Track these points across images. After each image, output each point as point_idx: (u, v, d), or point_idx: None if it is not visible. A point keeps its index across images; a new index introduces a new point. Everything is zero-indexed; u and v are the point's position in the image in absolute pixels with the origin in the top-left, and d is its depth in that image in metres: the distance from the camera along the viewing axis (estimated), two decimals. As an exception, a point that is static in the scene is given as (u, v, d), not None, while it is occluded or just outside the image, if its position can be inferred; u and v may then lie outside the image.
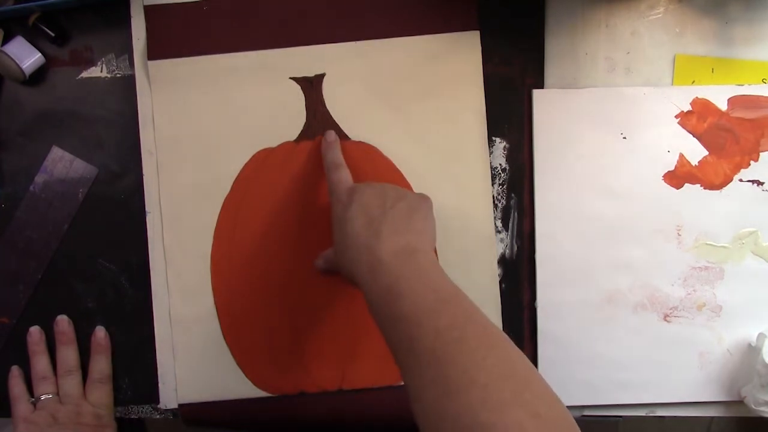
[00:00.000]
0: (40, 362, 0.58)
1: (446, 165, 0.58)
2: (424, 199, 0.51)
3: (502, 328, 0.58)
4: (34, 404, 0.57)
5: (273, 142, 0.58)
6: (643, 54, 0.58)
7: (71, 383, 0.57)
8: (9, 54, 0.56)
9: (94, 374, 0.58)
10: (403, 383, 0.40)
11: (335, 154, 0.55)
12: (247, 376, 0.59)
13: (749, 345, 0.59)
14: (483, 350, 0.37)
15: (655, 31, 0.58)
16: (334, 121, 0.58)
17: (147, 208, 0.58)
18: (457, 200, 0.58)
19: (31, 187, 0.59)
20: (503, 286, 0.59)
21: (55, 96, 0.58)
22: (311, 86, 0.58)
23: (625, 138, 0.58)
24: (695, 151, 0.58)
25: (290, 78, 0.58)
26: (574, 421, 0.35)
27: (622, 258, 0.59)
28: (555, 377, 0.59)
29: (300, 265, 0.58)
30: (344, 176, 0.53)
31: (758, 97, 0.58)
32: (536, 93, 0.58)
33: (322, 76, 0.58)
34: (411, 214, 0.48)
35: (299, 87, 0.58)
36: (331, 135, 0.57)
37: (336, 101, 0.58)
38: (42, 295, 0.59)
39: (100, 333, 0.59)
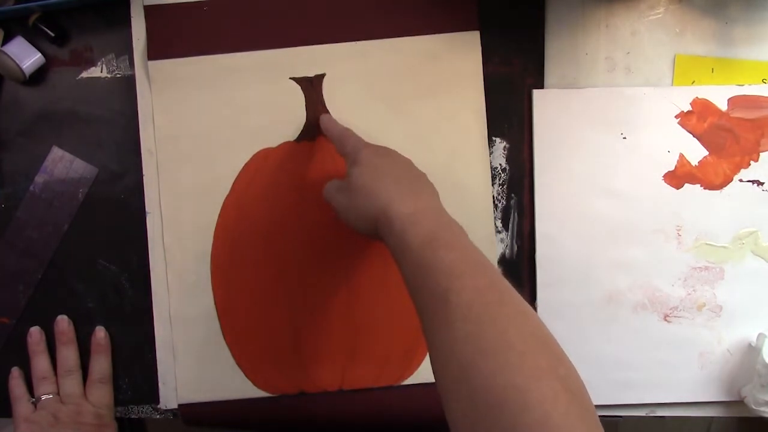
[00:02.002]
0: (41, 362, 0.58)
1: (446, 165, 0.58)
2: (436, 188, 0.51)
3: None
4: (35, 404, 0.57)
5: (273, 142, 0.58)
6: (643, 54, 0.58)
7: (72, 383, 0.57)
8: (9, 54, 0.56)
9: (95, 374, 0.58)
10: (427, 345, 0.40)
11: (340, 125, 0.55)
12: (247, 376, 0.59)
13: (749, 345, 0.59)
14: (521, 317, 0.37)
15: (655, 31, 0.58)
16: (334, 121, 0.58)
17: (147, 208, 0.58)
18: (457, 200, 0.58)
19: (31, 187, 0.59)
20: (503, 286, 0.59)
21: (55, 96, 0.58)
22: (311, 86, 0.58)
23: (625, 138, 0.58)
24: (695, 151, 0.58)
25: (290, 78, 0.58)
26: (595, 410, 0.35)
27: (622, 258, 0.59)
28: (555, 377, 0.59)
29: (300, 264, 0.58)
30: (361, 138, 0.53)
31: (758, 97, 0.58)
32: (536, 93, 0.58)
33: (322, 76, 0.58)
34: (435, 192, 0.49)
35: (299, 87, 0.58)
36: (326, 114, 0.57)
37: (336, 101, 0.58)
38: (42, 295, 0.59)
39: (100, 333, 0.59)
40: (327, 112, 0.58)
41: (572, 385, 0.34)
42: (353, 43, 0.58)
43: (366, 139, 0.58)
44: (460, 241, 0.43)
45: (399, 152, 0.51)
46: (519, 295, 0.39)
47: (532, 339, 0.36)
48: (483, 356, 0.35)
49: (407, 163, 0.51)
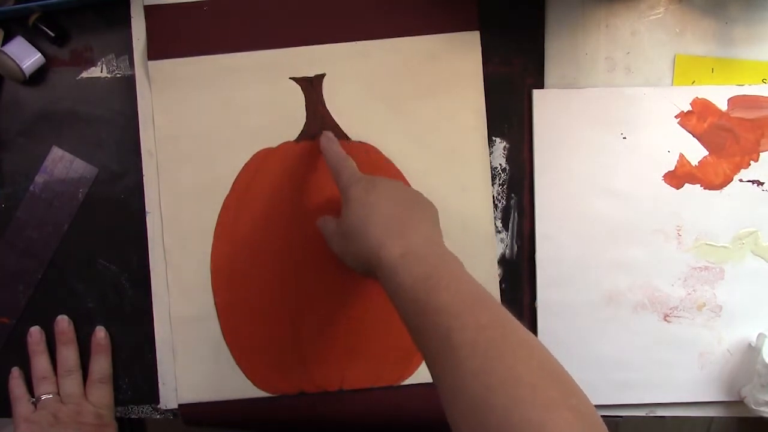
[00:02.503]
0: (41, 362, 0.58)
1: (446, 165, 0.58)
2: (434, 206, 0.51)
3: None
4: (35, 404, 0.57)
5: (273, 142, 0.58)
6: (643, 54, 0.58)
7: (72, 383, 0.57)
8: (9, 54, 0.56)
9: (95, 374, 0.58)
10: (431, 377, 0.40)
11: (339, 148, 0.54)
12: (247, 376, 0.59)
13: (749, 345, 0.59)
14: (527, 349, 0.37)
15: (655, 31, 0.58)
16: (334, 121, 0.58)
17: (147, 208, 0.58)
18: (457, 200, 0.58)
19: (31, 187, 0.59)
20: (503, 286, 0.59)
21: (55, 96, 0.58)
22: (311, 86, 0.58)
23: (625, 138, 0.58)
24: (695, 151, 0.58)
25: (290, 78, 0.58)
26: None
27: (622, 258, 0.59)
28: (555, 377, 0.59)
29: (300, 264, 0.58)
30: (354, 165, 0.52)
31: (758, 97, 0.58)
32: (536, 93, 0.58)
33: (322, 76, 0.58)
34: (431, 214, 0.49)
35: (299, 87, 0.58)
36: (329, 133, 0.56)
37: (336, 101, 0.58)
38: (42, 295, 0.59)
39: (100, 333, 0.59)
40: (327, 112, 0.58)
41: (585, 414, 0.34)
42: (353, 43, 0.58)
43: (366, 139, 0.58)
44: (455, 277, 0.42)
45: (389, 179, 0.51)
46: (521, 326, 0.39)
47: (541, 371, 0.36)
48: (493, 392, 0.35)
49: (399, 193, 0.49)
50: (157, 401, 0.59)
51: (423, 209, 0.49)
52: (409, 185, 0.58)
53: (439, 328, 0.39)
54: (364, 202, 0.48)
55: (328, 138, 0.56)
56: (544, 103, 0.58)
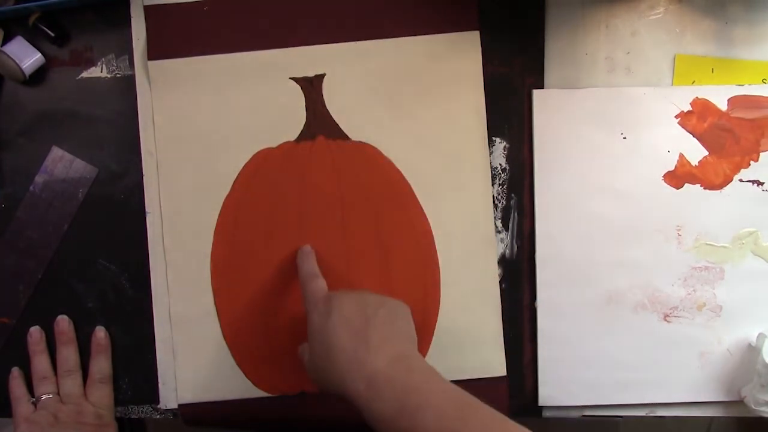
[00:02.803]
0: (41, 362, 0.58)
1: (446, 165, 0.58)
2: (401, 304, 0.49)
3: (502, 328, 0.59)
4: (35, 404, 0.57)
5: (273, 142, 0.58)
6: (643, 54, 0.58)
7: (72, 383, 0.57)
8: (9, 54, 0.56)
9: (95, 374, 0.58)
10: None
11: (311, 264, 0.54)
12: (247, 376, 0.59)
13: (749, 345, 0.59)
14: None
15: (655, 31, 0.58)
16: (334, 121, 0.58)
17: (147, 208, 0.58)
18: (458, 200, 0.58)
19: (31, 187, 0.59)
20: (503, 286, 0.59)
21: (55, 96, 0.58)
22: (311, 86, 0.58)
23: (625, 138, 0.58)
24: (695, 151, 0.58)
25: (290, 78, 0.58)
26: None
27: (622, 258, 0.59)
28: (555, 377, 0.59)
29: (300, 265, 0.58)
30: (320, 286, 0.51)
31: (758, 97, 0.58)
32: (536, 93, 0.58)
33: (322, 76, 0.58)
34: (394, 319, 0.47)
35: (299, 87, 0.58)
36: (307, 248, 0.56)
37: (336, 101, 0.58)
38: (42, 295, 0.59)
39: (100, 333, 0.59)
40: (327, 112, 0.58)
41: None
42: (353, 43, 0.58)
43: (366, 139, 0.58)
44: (431, 391, 0.41)
45: (349, 293, 0.49)
46: (513, 423, 0.39)
47: None
48: None
49: (358, 308, 0.46)
50: (157, 401, 0.59)
51: (388, 318, 0.46)
52: (408, 185, 0.58)
53: None
54: (322, 330, 0.46)
55: (304, 253, 0.55)
56: (544, 103, 0.58)
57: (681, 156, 0.58)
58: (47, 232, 0.59)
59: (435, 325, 0.58)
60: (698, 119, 0.58)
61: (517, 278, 0.59)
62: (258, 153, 0.58)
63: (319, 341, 0.46)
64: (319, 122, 0.58)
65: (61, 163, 0.59)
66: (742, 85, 0.58)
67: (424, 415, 0.39)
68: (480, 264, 0.58)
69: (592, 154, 0.58)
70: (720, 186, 0.58)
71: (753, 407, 0.57)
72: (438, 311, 0.59)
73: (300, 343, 0.59)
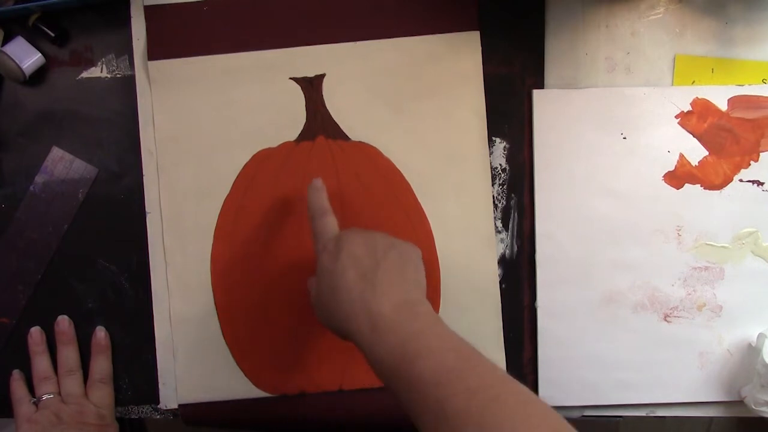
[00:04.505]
0: (42, 362, 0.58)
1: (446, 165, 0.58)
2: (413, 248, 0.49)
3: (502, 328, 0.59)
4: (36, 404, 0.57)
5: (273, 142, 0.58)
6: (643, 54, 0.58)
7: (73, 383, 0.57)
8: (9, 54, 0.56)
9: (95, 374, 0.58)
10: None
11: (321, 200, 0.51)
12: (247, 376, 0.59)
13: (749, 345, 0.59)
14: (522, 408, 0.36)
15: (655, 31, 0.58)
16: (334, 121, 0.58)
17: (147, 208, 0.58)
18: (457, 200, 0.58)
19: (31, 187, 0.59)
20: (503, 286, 0.59)
21: (55, 96, 0.58)
22: (311, 86, 0.58)
23: (625, 138, 0.58)
24: (695, 151, 0.58)
25: (290, 78, 0.58)
26: None
27: (622, 258, 0.59)
28: (555, 377, 0.59)
29: (300, 264, 0.58)
30: (330, 223, 0.50)
31: (758, 97, 0.58)
32: (536, 93, 0.58)
33: (322, 76, 0.58)
34: (404, 264, 0.46)
35: (299, 87, 0.58)
36: (318, 182, 0.52)
37: (336, 101, 0.58)
38: (42, 295, 0.59)
39: (101, 333, 0.59)
40: (327, 112, 0.58)
41: None
42: (353, 43, 0.58)
43: (366, 139, 0.58)
44: (434, 337, 0.40)
45: (360, 232, 0.47)
46: (515, 382, 0.38)
47: (542, 428, 0.35)
48: None
49: (368, 250, 0.46)
50: (157, 401, 0.59)
51: (398, 261, 0.46)
52: (408, 185, 0.58)
53: (429, 401, 0.38)
54: (330, 270, 0.45)
55: (314, 188, 0.52)
56: (544, 103, 0.58)
57: (681, 156, 0.58)
58: (47, 233, 0.59)
59: (435, 325, 0.58)
60: (698, 119, 0.58)
61: (517, 278, 0.59)
62: (258, 153, 0.58)
63: (327, 280, 0.46)
64: (319, 122, 0.58)
65: (61, 163, 0.59)
66: (742, 85, 0.58)
67: (423, 362, 0.39)
68: (480, 264, 0.58)
69: (592, 154, 0.58)
70: (720, 186, 0.58)
71: (753, 407, 0.57)
72: (438, 311, 0.59)
73: (300, 343, 0.59)
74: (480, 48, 0.58)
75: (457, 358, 0.39)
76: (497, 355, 0.58)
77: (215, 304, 0.58)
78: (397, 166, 0.58)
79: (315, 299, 0.48)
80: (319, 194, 0.51)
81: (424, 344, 0.40)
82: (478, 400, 0.36)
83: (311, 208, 0.51)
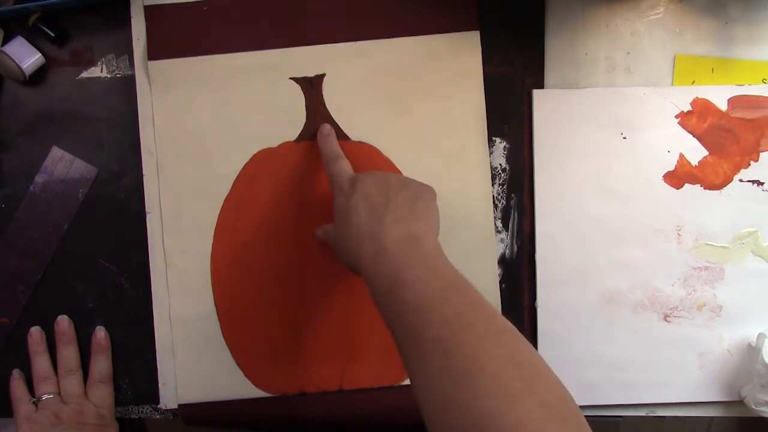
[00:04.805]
0: (41, 362, 0.58)
1: (446, 165, 0.58)
2: (427, 188, 0.50)
3: (502, 328, 0.59)
4: (36, 404, 0.57)
5: (273, 142, 0.58)
6: (643, 54, 0.58)
7: (73, 383, 0.57)
8: (9, 54, 0.56)
9: (95, 374, 0.58)
10: (409, 381, 0.39)
11: (333, 145, 0.55)
12: (247, 376, 0.59)
13: (749, 345, 0.59)
14: (491, 338, 0.37)
15: (655, 31, 0.58)
16: (334, 121, 0.58)
17: (147, 208, 0.58)
18: (457, 200, 0.58)
19: (31, 187, 0.59)
20: (503, 286, 0.59)
21: (55, 96, 0.58)
22: (311, 86, 0.58)
23: (625, 138, 0.58)
24: (695, 151, 0.58)
25: (290, 78, 0.58)
26: (581, 412, 0.34)
27: (622, 258, 0.59)
28: (555, 377, 0.59)
29: (300, 264, 0.58)
30: (345, 167, 0.52)
31: (758, 97, 0.58)
32: (536, 93, 0.58)
33: (322, 76, 0.58)
34: (414, 202, 0.48)
35: (299, 87, 0.58)
36: (326, 128, 0.56)
37: (336, 101, 0.58)
38: (42, 295, 0.59)
39: (101, 333, 0.59)
40: (327, 112, 0.58)
41: (549, 398, 0.34)
42: (353, 43, 0.58)
43: (366, 139, 0.58)
44: (425, 268, 0.41)
45: (377, 173, 0.50)
46: (493, 313, 0.39)
47: (506, 360, 0.35)
48: (456, 387, 0.35)
49: (380, 189, 0.48)
50: (157, 401, 0.59)
51: (408, 200, 0.47)
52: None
53: (407, 328, 0.39)
54: (345, 209, 0.48)
55: (324, 135, 0.56)
56: (544, 103, 0.58)
57: (681, 156, 0.58)
58: (47, 232, 0.59)
59: (435, 325, 0.58)
60: (698, 119, 0.58)
61: (517, 278, 0.59)
62: (258, 153, 0.58)
63: (342, 219, 0.48)
64: (319, 122, 0.58)
65: (61, 163, 0.59)
66: (742, 85, 0.58)
67: (409, 290, 0.40)
68: (480, 264, 0.58)
69: (592, 154, 0.58)
70: (720, 186, 0.58)
71: (753, 407, 0.57)
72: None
73: (300, 343, 0.59)
74: (480, 48, 0.58)
75: (442, 289, 0.40)
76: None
77: (215, 304, 0.58)
78: (397, 166, 0.58)
79: (334, 242, 0.50)
80: (329, 139, 0.55)
81: (413, 273, 0.41)
82: (449, 329, 0.37)
83: (324, 153, 0.54)
